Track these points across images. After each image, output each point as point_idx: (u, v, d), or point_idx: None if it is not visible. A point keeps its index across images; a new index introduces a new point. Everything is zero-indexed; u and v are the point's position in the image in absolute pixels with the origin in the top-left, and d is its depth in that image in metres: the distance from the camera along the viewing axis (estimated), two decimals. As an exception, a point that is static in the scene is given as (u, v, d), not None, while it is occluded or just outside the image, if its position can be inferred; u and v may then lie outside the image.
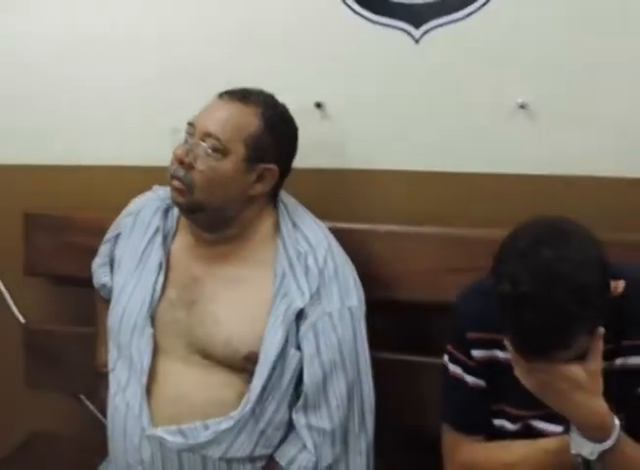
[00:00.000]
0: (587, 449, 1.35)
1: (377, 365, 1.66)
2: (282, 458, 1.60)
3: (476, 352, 1.48)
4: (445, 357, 1.53)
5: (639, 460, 1.37)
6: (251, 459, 1.59)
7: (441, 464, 1.54)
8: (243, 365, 1.58)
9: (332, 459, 1.59)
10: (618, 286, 1.35)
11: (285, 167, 1.62)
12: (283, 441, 1.61)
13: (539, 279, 1.24)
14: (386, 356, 1.71)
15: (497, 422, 1.50)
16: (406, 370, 1.76)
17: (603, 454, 1.34)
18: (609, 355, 1.38)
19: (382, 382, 1.66)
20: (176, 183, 1.56)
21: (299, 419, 1.58)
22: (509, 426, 1.49)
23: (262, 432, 1.57)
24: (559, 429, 1.44)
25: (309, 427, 1.58)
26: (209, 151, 1.54)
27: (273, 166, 1.59)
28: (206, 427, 1.56)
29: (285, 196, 1.68)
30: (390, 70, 1.76)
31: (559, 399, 1.33)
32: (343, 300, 1.59)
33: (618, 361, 1.40)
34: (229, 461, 1.58)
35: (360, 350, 1.61)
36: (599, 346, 1.31)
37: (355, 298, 1.61)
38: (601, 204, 1.70)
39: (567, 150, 1.70)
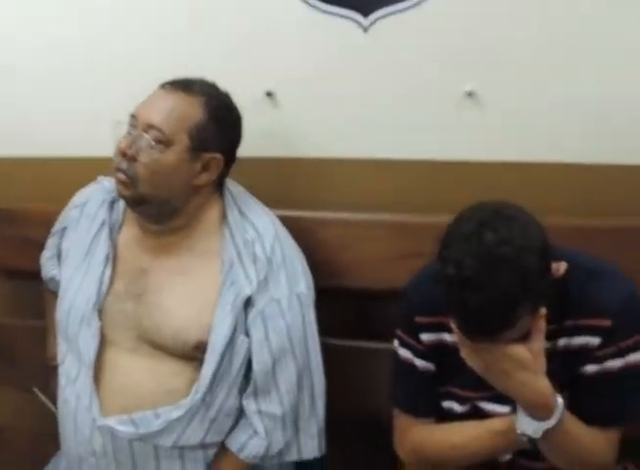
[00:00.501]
0: (532, 428, 1.38)
1: (327, 352, 1.67)
2: (233, 445, 1.62)
3: (424, 336, 1.50)
4: (395, 342, 1.55)
5: (582, 438, 1.41)
6: (203, 446, 1.60)
7: (393, 448, 1.57)
8: (193, 354, 1.58)
9: (283, 444, 1.61)
10: (560, 268, 1.38)
11: (230, 156, 1.62)
12: (234, 428, 1.62)
13: (483, 262, 1.26)
14: (336, 343, 1.73)
15: (446, 404, 1.52)
16: (357, 356, 1.78)
17: (547, 433, 1.37)
18: (552, 336, 1.42)
19: (332, 368, 1.68)
20: (120, 176, 1.56)
21: (250, 405, 1.60)
22: (457, 408, 1.51)
23: (213, 419, 1.58)
24: (506, 409, 1.46)
25: (260, 413, 1.59)
26: (152, 143, 1.53)
27: (218, 155, 1.59)
28: (157, 416, 1.57)
29: (231, 184, 1.68)
30: (340, 59, 1.77)
31: (503, 378, 1.36)
32: (292, 286, 1.60)
33: (562, 341, 1.43)
34: (181, 449, 1.59)
35: (309, 335, 1.62)
36: (541, 326, 1.34)
37: (304, 284, 1.62)
38: (548, 189, 1.72)
39: (514, 137, 1.72)
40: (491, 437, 1.46)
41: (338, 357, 1.72)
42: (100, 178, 1.75)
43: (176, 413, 1.56)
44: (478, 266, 1.26)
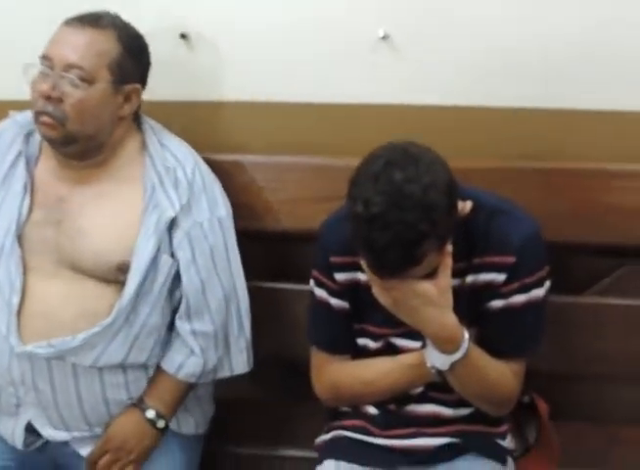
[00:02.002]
0: (440, 361, 1.43)
1: (251, 294, 1.72)
2: (170, 366, 1.66)
3: (339, 276, 1.54)
4: (311, 282, 1.59)
5: (488, 370, 1.47)
6: (123, 367, 1.63)
7: (311, 384, 1.60)
8: (115, 276, 1.61)
9: (217, 360, 1.68)
10: (466, 206, 1.42)
11: (144, 83, 1.67)
12: (155, 348, 1.65)
13: (390, 200, 1.29)
14: (255, 284, 1.76)
15: (361, 341, 1.57)
16: (275, 297, 1.82)
17: (454, 365, 1.42)
18: (460, 273, 1.47)
19: (256, 311, 1.72)
20: (46, 119, 1.57)
21: (184, 326, 1.65)
22: (371, 344, 1.56)
23: (136, 336, 1.62)
24: (417, 345, 1.51)
25: (194, 332, 1.65)
26: (77, 81, 1.55)
27: (137, 86, 1.63)
28: (76, 338, 1.58)
29: (149, 119, 1.71)
30: (256, 3, 1.78)
31: (412, 314, 1.41)
32: (213, 210, 1.65)
33: (469, 278, 1.48)
34: (100, 370, 1.61)
35: (232, 257, 1.68)
36: (448, 262, 1.39)
37: (223, 209, 1.68)
38: (464, 132, 1.76)
39: (427, 80, 1.76)
40: (402, 371, 1.51)
41: (261, 300, 1.76)
42: (12, 112, 1.74)
43: (96, 328, 1.58)
44: (385, 204, 1.29)
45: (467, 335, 1.43)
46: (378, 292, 1.41)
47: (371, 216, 1.30)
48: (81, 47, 1.56)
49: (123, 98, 1.61)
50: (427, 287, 1.38)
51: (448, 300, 1.40)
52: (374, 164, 1.33)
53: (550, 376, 1.74)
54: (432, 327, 1.41)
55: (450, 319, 1.41)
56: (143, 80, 1.66)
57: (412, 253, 1.31)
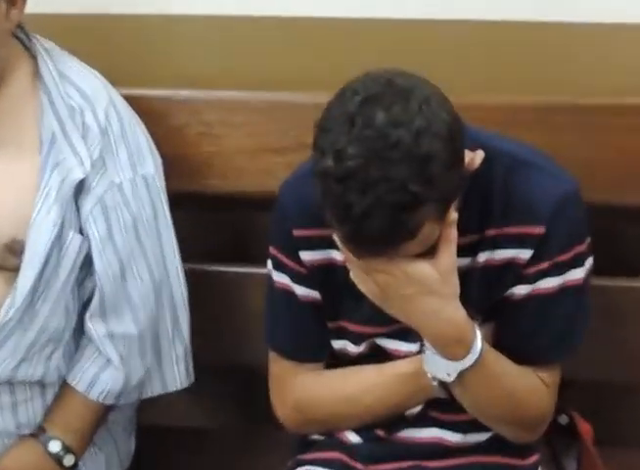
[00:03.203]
0: (444, 370, 1.42)
1: (186, 280, 1.71)
2: (79, 383, 1.65)
3: (306, 255, 1.52)
4: (269, 264, 1.57)
5: (510, 380, 1.46)
6: (10, 385, 1.62)
7: (269, 400, 1.60)
8: (2, 260, 1.59)
9: (143, 372, 1.67)
10: (476, 158, 1.38)
11: None
12: (56, 360, 1.64)
13: (371, 150, 1.26)
14: (195, 268, 1.75)
15: (338, 344, 1.56)
16: (224, 286, 1.81)
17: (463, 375, 1.41)
18: (470, 250, 1.45)
19: (192, 303, 1.71)
20: None
21: (98, 328, 1.64)
22: (352, 348, 1.55)
23: (31, 345, 1.60)
24: (413, 348, 1.50)
25: (111, 336, 1.64)
26: None
27: None
28: None
29: (45, 41, 1.68)
30: None
31: (404, 306, 1.39)
32: (135, 166, 1.63)
33: (482, 256, 1.46)
34: None
35: (164, 231, 1.67)
36: (452, 236, 1.36)
37: (151, 163, 1.66)
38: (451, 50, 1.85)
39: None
40: (394, 383, 1.50)
41: (204, 289, 1.76)
42: None
43: None
44: (363, 156, 1.26)
45: (479, 334, 1.41)
46: (357, 277, 1.40)
47: (344, 173, 1.27)
48: None
49: (5, 5, 1.55)
50: (424, 270, 1.36)
51: (453, 286, 1.38)
52: (348, 101, 1.29)
53: (595, 387, 1.77)
54: (431, 324, 1.39)
55: (456, 313, 1.39)
56: None
57: (402, 222, 1.28)
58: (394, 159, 1.25)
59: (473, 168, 1.38)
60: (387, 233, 1.28)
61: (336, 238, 1.37)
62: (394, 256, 1.33)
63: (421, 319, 1.39)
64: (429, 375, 1.44)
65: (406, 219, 1.28)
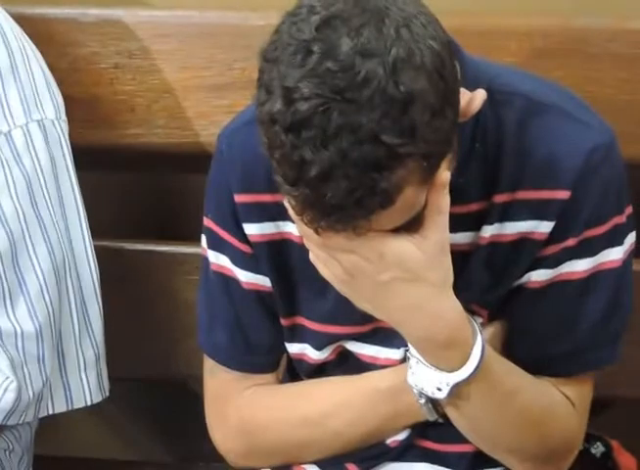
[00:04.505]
0: (432, 383, 1.41)
1: (104, 261, 1.75)
2: None
3: (252, 229, 1.52)
4: (203, 241, 1.58)
5: (520, 396, 1.46)
6: None
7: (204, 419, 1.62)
8: None
9: (42, 382, 1.69)
10: (475, 99, 1.36)
11: None
12: None
13: (332, 89, 1.23)
14: (110, 246, 1.80)
15: (295, 349, 1.57)
16: (147, 268, 1.85)
17: (459, 389, 1.41)
18: (471, 222, 1.46)
19: (105, 290, 1.74)
20: None
21: None
22: (313, 354, 1.56)
23: None
24: (395, 355, 1.51)
25: None
26: None
27: None
28: None
29: None
30: None
31: (379, 298, 1.38)
32: (29, 110, 1.67)
33: (487, 231, 1.46)
34: None
35: (67, 195, 1.70)
36: (442, 204, 1.34)
37: (50, 106, 1.70)
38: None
39: None
40: (370, 402, 1.52)
41: (123, 272, 1.81)
42: None
43: None
44: (322, 97, 1.23)
45: (481, 335, 1.41)
46: (318, 259, 1.39)
47: (296, 120, 1.24)
48: None
49: None
50: (405, 248, 1.34)
51: (443, 270, 1.37)
52: (303, 23, 1.27)
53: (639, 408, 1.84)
54: (414, 321, 1.39)
55: (448, 306, 1.39)
56: None
57: (374, 185, 1.25)
58: (363, 100, 1.23)
59: (470, 114, 1.36)
60: (353, 200, 1.26)
61: (287, 206, 1.35)
62: (365, 230, 1.30)
63: (400, 315, 1.39)
64: (414, 390, 1.44)
65: (379, 181, 1.25)
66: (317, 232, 1.33)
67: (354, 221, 1.29)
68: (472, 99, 1.37)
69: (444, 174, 1.33)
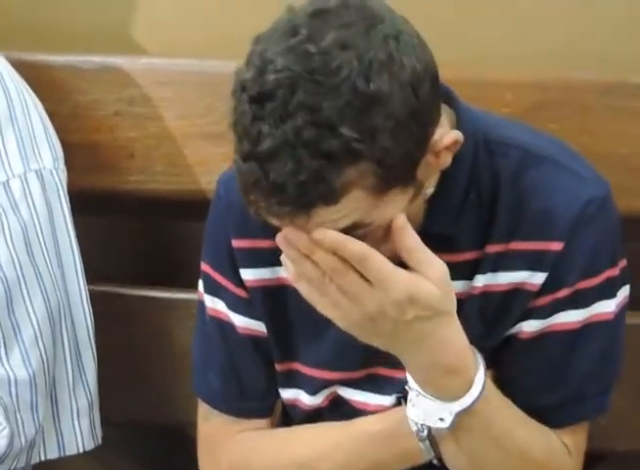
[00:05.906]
0: (435, 413, 1.40)
1: (100, 306, 1.75)
2: None
3: (248, 274, 1.53)
4: (200, 286, 1.59)
5: (519, 433, 1.45)
6: None
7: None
8: None
9: (35, 430, 1.68)
10: (448, 136, 1.34)
11: None
12: None
13: (303, 67, 1.25)
14: (105, 291, 1.80)
15: (289, 394, 1.57)
16: (137, 314, 1.84)
17: (460, 421, 1.40)
18: (465, 271, 1.46)
19: (100, 337, 1.73)
20: None
21: None
22: (307, 400, 1.56)
23: None
24: (386, 401, 1.52)
25: None
26: None
27: None
28: None
29: None
30: None
31: (397, 333, 1.34)
32: (27, 159, 1.67)
33: (480, 280, 1.46)
34: None
35: (64, 243, 1.70)
36: (413, 241, 1.32)
37: (48, 155, 1.69)
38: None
39: None
40: (364, 445, 1.51)
41: (117, 318, 1.81)
42: None
43: None
44: (293, 72, 1.25)
45: (483, 363, 1.40)
46: (295, 278, 1.34)
47: (263, 90, 1.26)
48: None
49: None
50: (429, 288, 1.32)
51: (452, 298, 1.36)
52: (298, 12, 1.31)
53: (636, 462, 1.79)
54: (422, 350, 1.37)
55: (456, 332, 1.38)
56: None
57: (320, 174, 1.25)
58: (330, 85, 1.24)
59: (441, 149, 1.33)
60: (295, 182, 1.25)
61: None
62: (303, 223, 1.29)
63: (412, 346, 1.37)
64: (414, 429, 1.42)
65: (326, 170, 1.25)
66: (258, 215, 1.31)
67: (295, 210, 1.27)
68: (444, 135, 1.34)
69: (401, 218, 1.32)
